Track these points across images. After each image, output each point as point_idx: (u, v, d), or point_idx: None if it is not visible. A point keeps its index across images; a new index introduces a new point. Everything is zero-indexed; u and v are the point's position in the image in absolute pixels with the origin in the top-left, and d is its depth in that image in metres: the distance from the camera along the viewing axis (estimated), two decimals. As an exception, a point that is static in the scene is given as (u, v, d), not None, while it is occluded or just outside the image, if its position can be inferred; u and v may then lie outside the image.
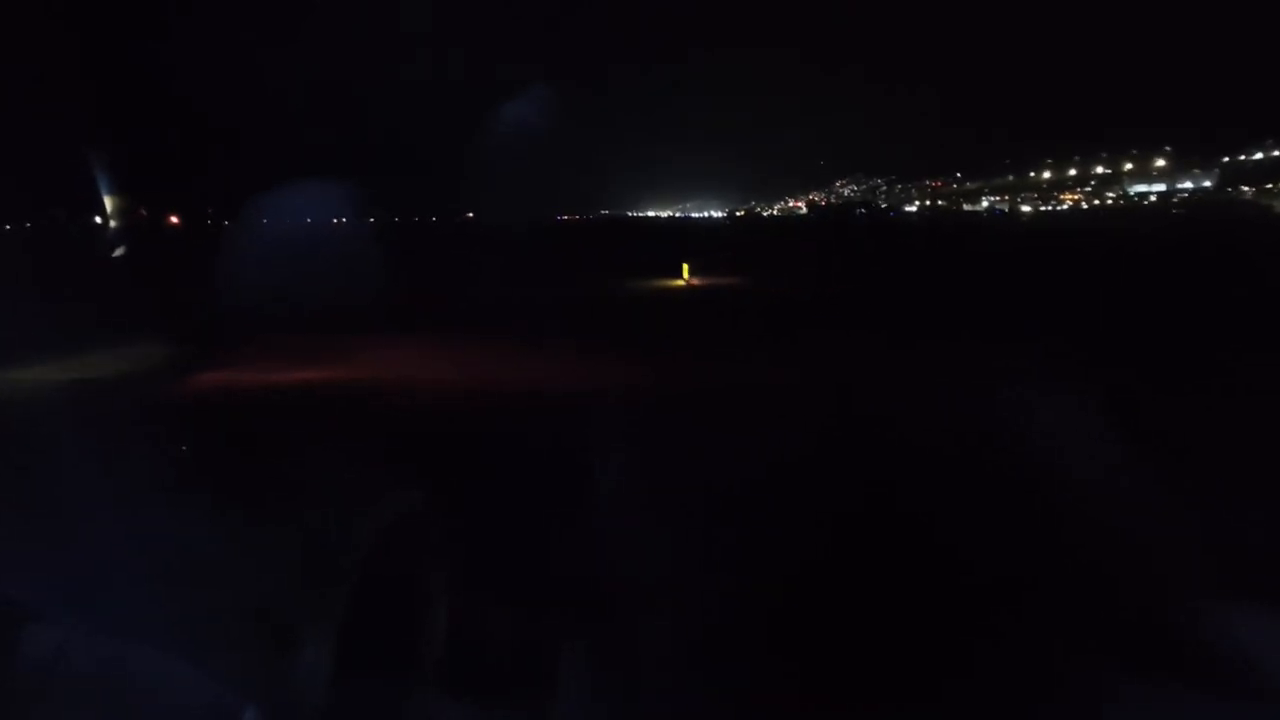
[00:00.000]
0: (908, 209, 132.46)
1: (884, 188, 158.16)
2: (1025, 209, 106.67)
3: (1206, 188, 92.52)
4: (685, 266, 23.12)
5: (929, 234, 54.15)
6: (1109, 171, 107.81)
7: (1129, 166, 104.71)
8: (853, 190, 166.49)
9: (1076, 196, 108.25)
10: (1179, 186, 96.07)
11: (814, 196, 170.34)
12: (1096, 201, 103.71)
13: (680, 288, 21.05)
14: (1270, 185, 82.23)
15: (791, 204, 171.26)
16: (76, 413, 7.19)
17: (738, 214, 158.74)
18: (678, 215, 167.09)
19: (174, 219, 61.76)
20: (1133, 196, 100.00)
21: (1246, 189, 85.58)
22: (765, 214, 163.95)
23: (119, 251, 28.53)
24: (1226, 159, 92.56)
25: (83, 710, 1.28)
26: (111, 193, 30.49)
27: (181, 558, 1.66)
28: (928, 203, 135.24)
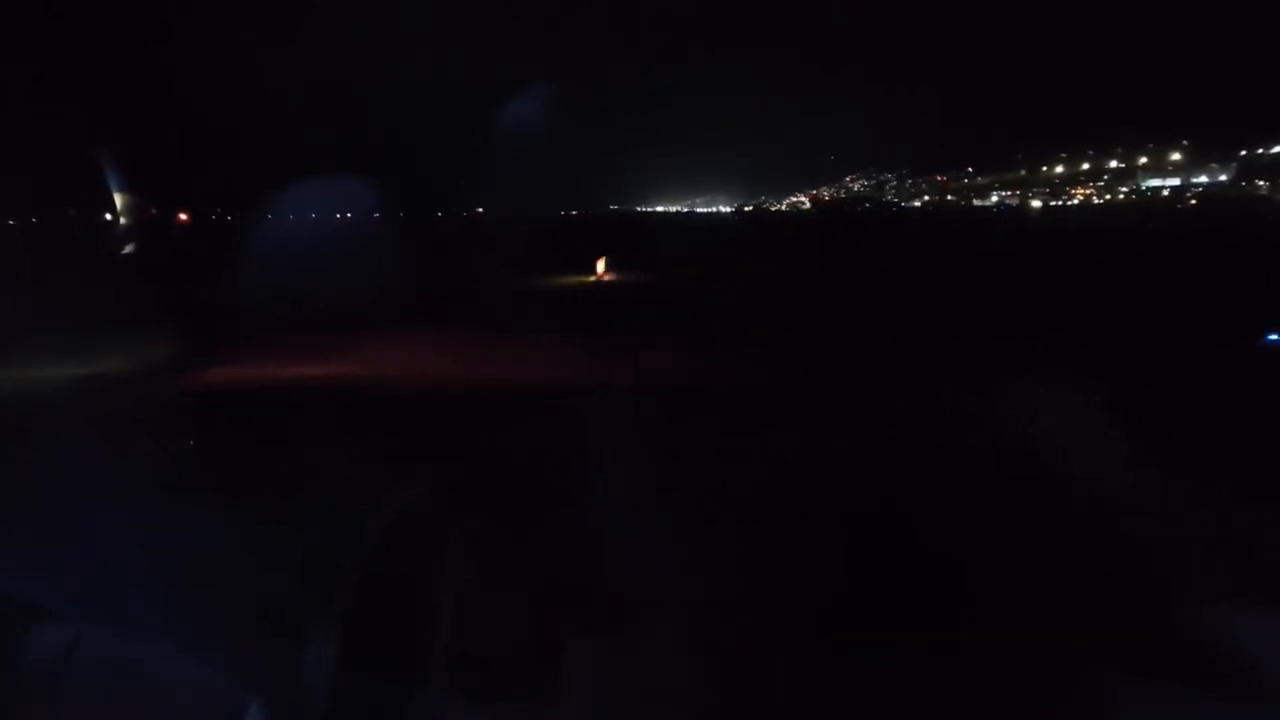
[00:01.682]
0: (916, 204, 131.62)
1: (894, 183, 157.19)
2: (1036, 204, 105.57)
3: (1222, 182, 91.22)
4: (603, 262, 22.86)
5: (921, 230, 53.64)
6: (1123, 166, 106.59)
7: (1144, 160, 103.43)
8: (863, 185, 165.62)
9: (1089, 191, 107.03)
10: (1194, 181, 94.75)
11: (818, 192, 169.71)
12: (1109, 196, 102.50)
13: (592, 283, 21.08)
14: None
15: (796, 199, 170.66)
16: (86, 409, 7.28)
17: (746, 209, 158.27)
18: (685, 211, 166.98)
19: (183, 216, 62.22)
20: (1145, 191, 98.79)
21: (1262, 183, 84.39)
22: (774, 209, 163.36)
23: (128, 249, 28.74)
24: (1244, 153, 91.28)
25: (91, 706, 1.31)
26: (121, 190, 30.75)
27: (185, 555, 1.69)
28: (937, 198, 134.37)
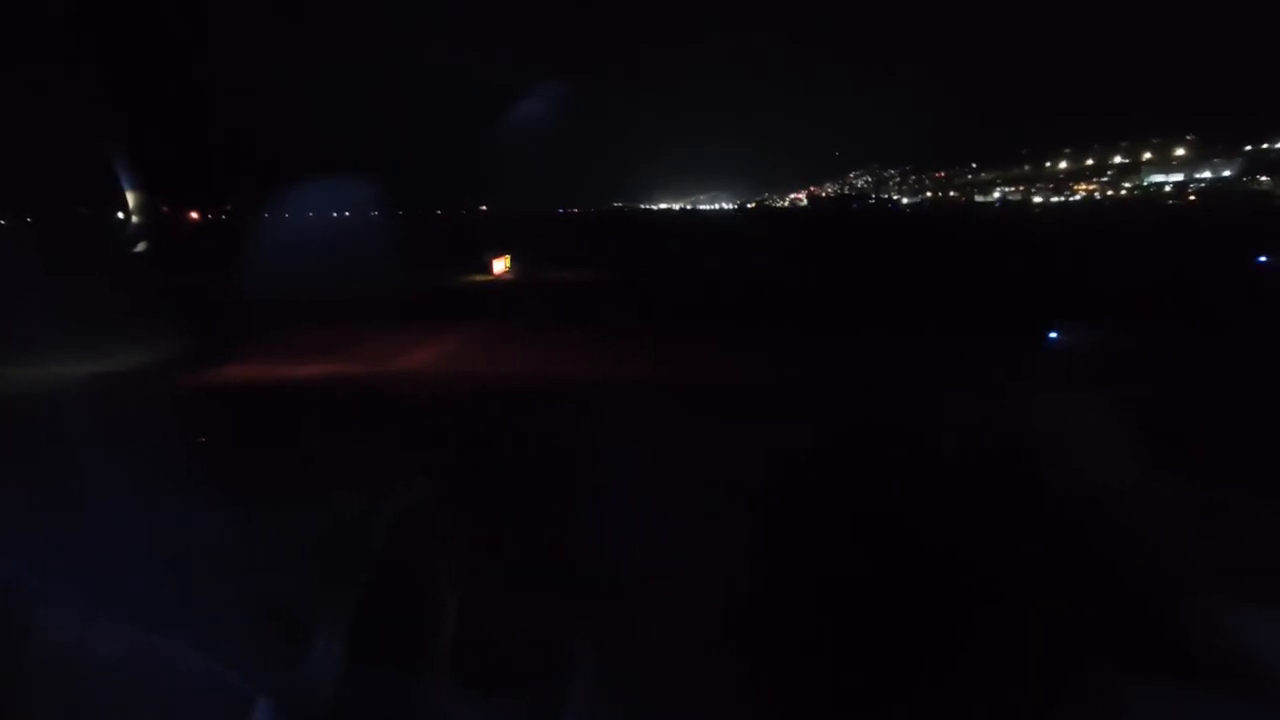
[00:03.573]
0: (912, 200, 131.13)
1: (896, 178, 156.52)
2: (1037, 200, 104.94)
3: (1226, 177, 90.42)
4: (505, 259, 22.71)
5: (894, 226, 54.00)
6: (1127, 161, 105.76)
7: (1148, 156, 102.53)
8: (866, 182, 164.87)
9: (1091, 187, 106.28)
10: (1198, 176, 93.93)
11: (815, 189, 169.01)
12: (1111, 192, 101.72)
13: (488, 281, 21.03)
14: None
15: (795, 196, 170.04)
16: (99, 406, 7.35)
17: (749, 206, 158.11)
18: (686, 208, 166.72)
19: (193, 214, 62.53)
20: (1148, 187, 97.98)
21: (1265, 178, 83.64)
22: (776, 205, 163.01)
23: (141, 247, 28.69)
24: (1249, 148, 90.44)
25: (102, 700, 1.33)
26: (133, 189, 30.77)
27: (195, 550, 1.71)
28: (940, 194, 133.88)
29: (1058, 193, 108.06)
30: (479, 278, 21.40)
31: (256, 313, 13.04)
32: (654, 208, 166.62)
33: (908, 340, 10.46)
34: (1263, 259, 17.96)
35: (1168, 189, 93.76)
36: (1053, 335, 9.64)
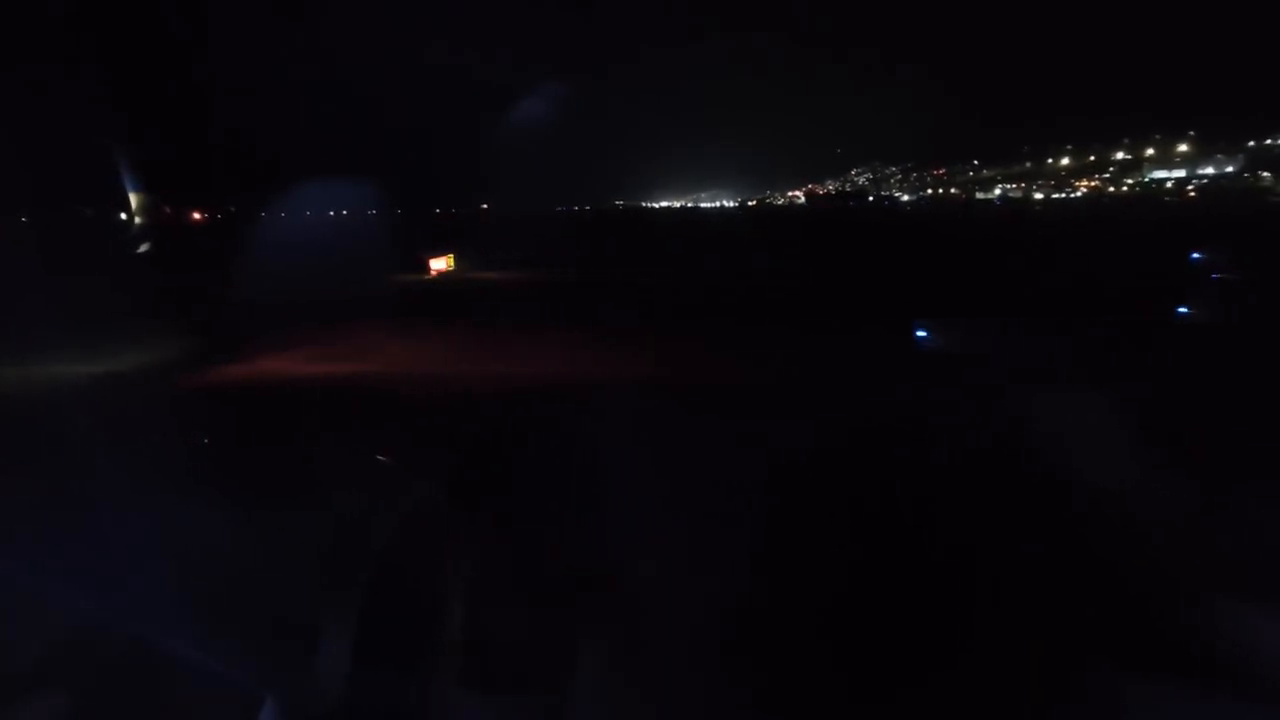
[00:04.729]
0: (915, 197, 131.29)
1: (898, 175, 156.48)
2: (1038, 196, 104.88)
3: (1229, 173, 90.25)
4: (448, 259, 22.84)
5: (871, 224, 54.40)
6: (1129, 157, 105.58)
7: (1150, 152, 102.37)
8: (867, 179, 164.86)
9: (1093, 183, 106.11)
10: (1200, 172, 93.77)
11: (813, 187, 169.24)
12: (1112, 189, 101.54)
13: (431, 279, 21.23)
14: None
15: (793, 194, 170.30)
16: (101, 407, 7.39)
17: (749, 204, 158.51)
18: (689, 205, 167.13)
19: (196, 215, 62.71)
20: (1150, 183, 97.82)
21: (1266, 174, 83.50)
22: (777, 203, 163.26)
23: (144, 248, 28.70)
24: (1252, 144, 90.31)
25: (106, 702, 1.33)
26: (137, 190, 30.81)
27: (198, 552, 1.71)
28: (941, 190, 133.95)
29: (1059, 189, 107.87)
30: (423, 276, 21.56)
31: (228, 315, 13.21)
32: (655, 206, 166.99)
33: (904, 340, 10.43)
34: (1196, 256, 17.76)
35: (1169, 185, 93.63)
36: (921, 334, 9.50)
